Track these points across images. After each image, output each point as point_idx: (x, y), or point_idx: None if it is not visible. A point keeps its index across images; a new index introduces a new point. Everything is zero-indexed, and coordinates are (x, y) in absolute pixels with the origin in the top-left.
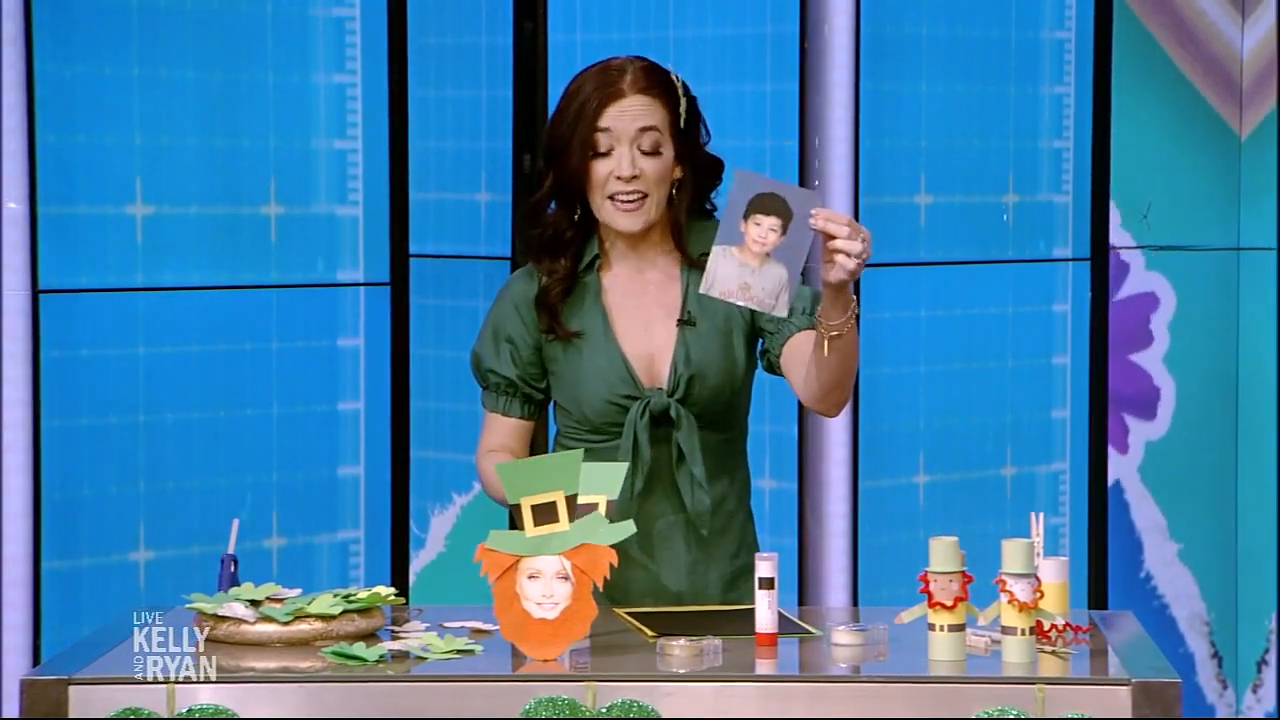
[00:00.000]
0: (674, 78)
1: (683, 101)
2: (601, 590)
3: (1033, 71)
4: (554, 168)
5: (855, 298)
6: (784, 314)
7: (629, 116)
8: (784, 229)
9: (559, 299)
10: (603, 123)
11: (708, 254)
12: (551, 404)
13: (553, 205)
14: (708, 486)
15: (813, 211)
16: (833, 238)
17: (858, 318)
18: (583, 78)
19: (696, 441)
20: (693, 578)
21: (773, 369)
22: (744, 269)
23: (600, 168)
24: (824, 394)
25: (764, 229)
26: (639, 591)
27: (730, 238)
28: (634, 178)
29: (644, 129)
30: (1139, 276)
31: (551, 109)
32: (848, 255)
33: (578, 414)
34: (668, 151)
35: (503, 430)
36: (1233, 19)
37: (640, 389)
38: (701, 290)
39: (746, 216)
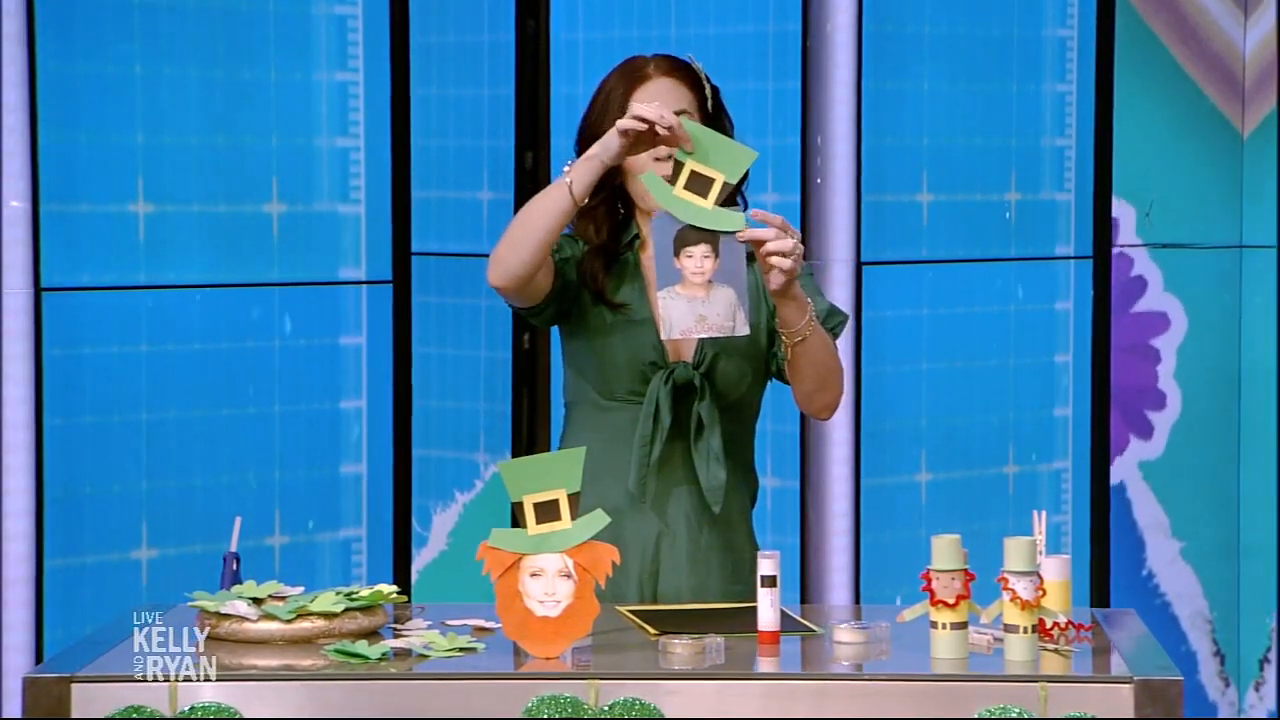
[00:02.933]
0: (696, 66)
1: (707, 87)
2: (603, 586)
3: (1035, 69)
4: None
5: (810, 300)
6: (746, 332)
7: (658, 99)
8: (715, 253)
9: (601, 269)
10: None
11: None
12: (560, 381)
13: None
14: (724, 460)
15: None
16: (763, 243)
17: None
18: (608, 75)
19: (716, 415)
20: (694, 564)
21: (780, 374)
22: (694, 303)
23: (638, 153)
24: (807, 399)
25: (697, 259)
26: (638, 572)
27: (668, 279)
28: (671, 156)
29: (675, 112)
30: (1142, 273)
31: (554, 107)
32: (782, 255)
33: (598, 380)
34: None
35: None
36: (1235, 16)
37: (665, 360)
38: (663, 337)
39: (677, 254)
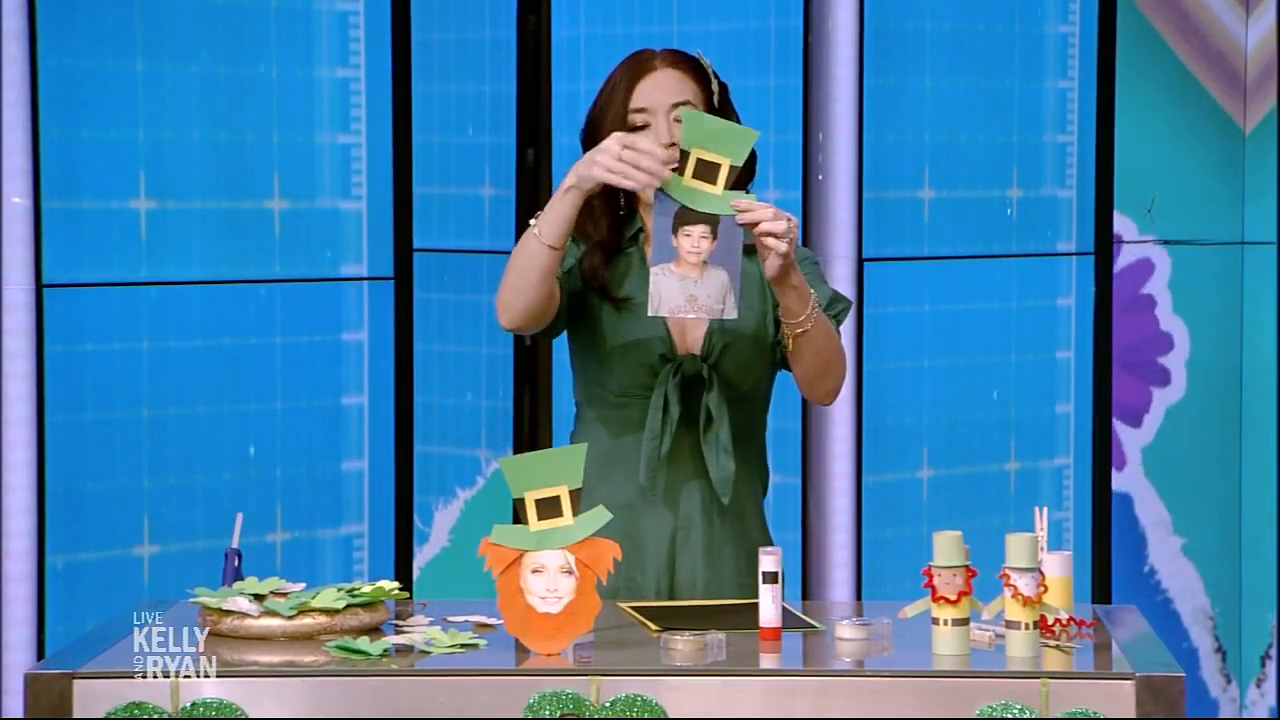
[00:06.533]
0: (705, 63)
1: (714, 82)
2: (604, 582)
3: (1037, 66)
4: (589, 149)
5: (812, 290)
6: (734, 316)
7: (661, 90)
8: (714, 234)
9: (602, 264)
10: (636, 101)
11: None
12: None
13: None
14: (732, 452)
15: (732, 204)
16: (757, 224)
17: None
18: (616, 66)
19: (725, 407)
20: (710, 557)
21: (785, 363)
22: (686, 282)
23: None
24: (809, 385)
25: (694, 239)
26: (655, 567)
27: (665, 256)
28: (672, 145)
29: (677, 103)
30: (1142, 270)
31: (555, 103)
32: (776, 237)
33: (607, 376)
34: None
35: None
36: (1237, 13)
37: (674, 353)
38: (650, 313)
39: (675, 232)
